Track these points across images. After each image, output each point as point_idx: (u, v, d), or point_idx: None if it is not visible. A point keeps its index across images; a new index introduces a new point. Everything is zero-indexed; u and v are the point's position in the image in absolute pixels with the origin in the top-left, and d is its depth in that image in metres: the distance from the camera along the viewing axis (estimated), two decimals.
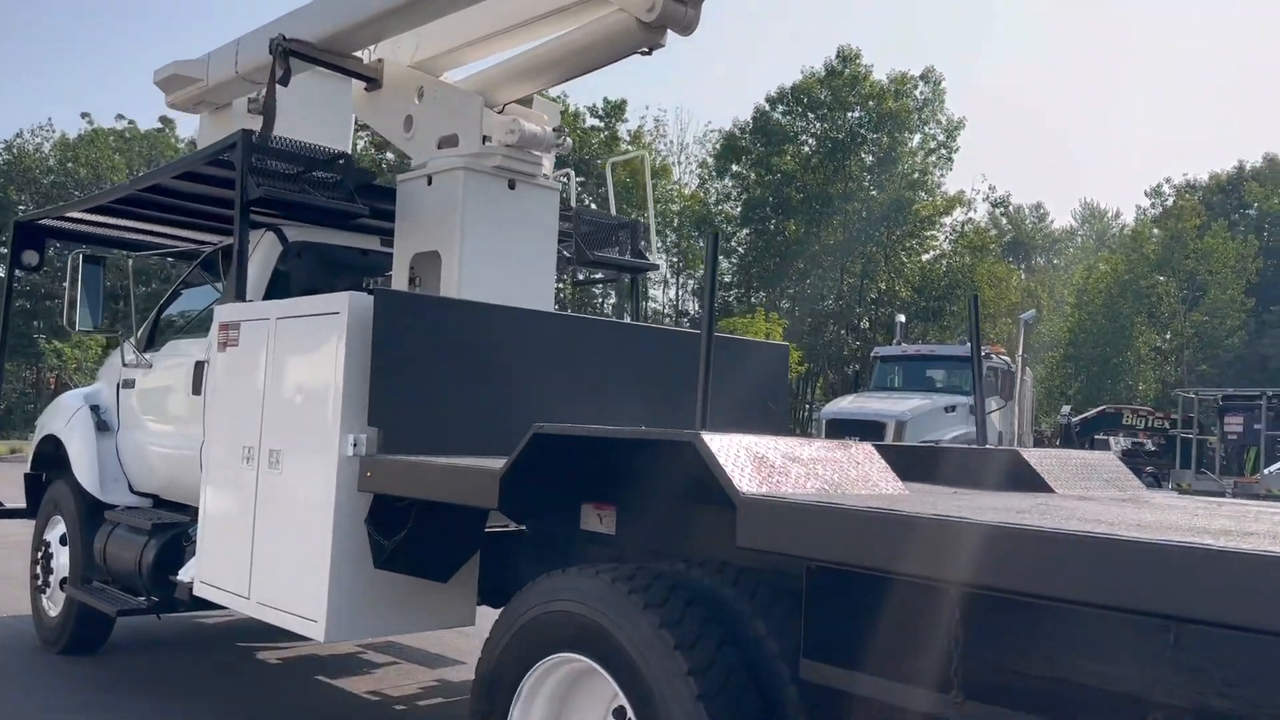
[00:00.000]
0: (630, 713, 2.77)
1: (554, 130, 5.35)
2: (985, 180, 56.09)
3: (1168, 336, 41.11)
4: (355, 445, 3.80)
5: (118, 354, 6.22)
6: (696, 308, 43.85)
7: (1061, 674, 2.00)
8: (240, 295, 4.71)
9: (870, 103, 39.29)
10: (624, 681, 2.72)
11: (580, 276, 7.35)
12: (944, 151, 40.93)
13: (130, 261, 6.05)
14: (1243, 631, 1.61)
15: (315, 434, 3.94)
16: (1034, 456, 3.73)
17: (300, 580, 3.91)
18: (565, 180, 5.89)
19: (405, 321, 3.91)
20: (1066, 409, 21.52)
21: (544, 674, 3.00)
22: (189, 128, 44.04)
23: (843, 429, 15.48)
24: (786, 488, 2.58)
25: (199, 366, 5.24)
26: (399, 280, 5.24)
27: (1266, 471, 17.00)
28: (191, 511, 5.43)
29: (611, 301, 39.54)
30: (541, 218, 5.33)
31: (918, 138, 40.76)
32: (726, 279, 44.32)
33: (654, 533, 3.42)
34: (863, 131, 39.54)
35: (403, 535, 3.65)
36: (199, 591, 4.66)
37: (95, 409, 6.22)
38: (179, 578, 4.89)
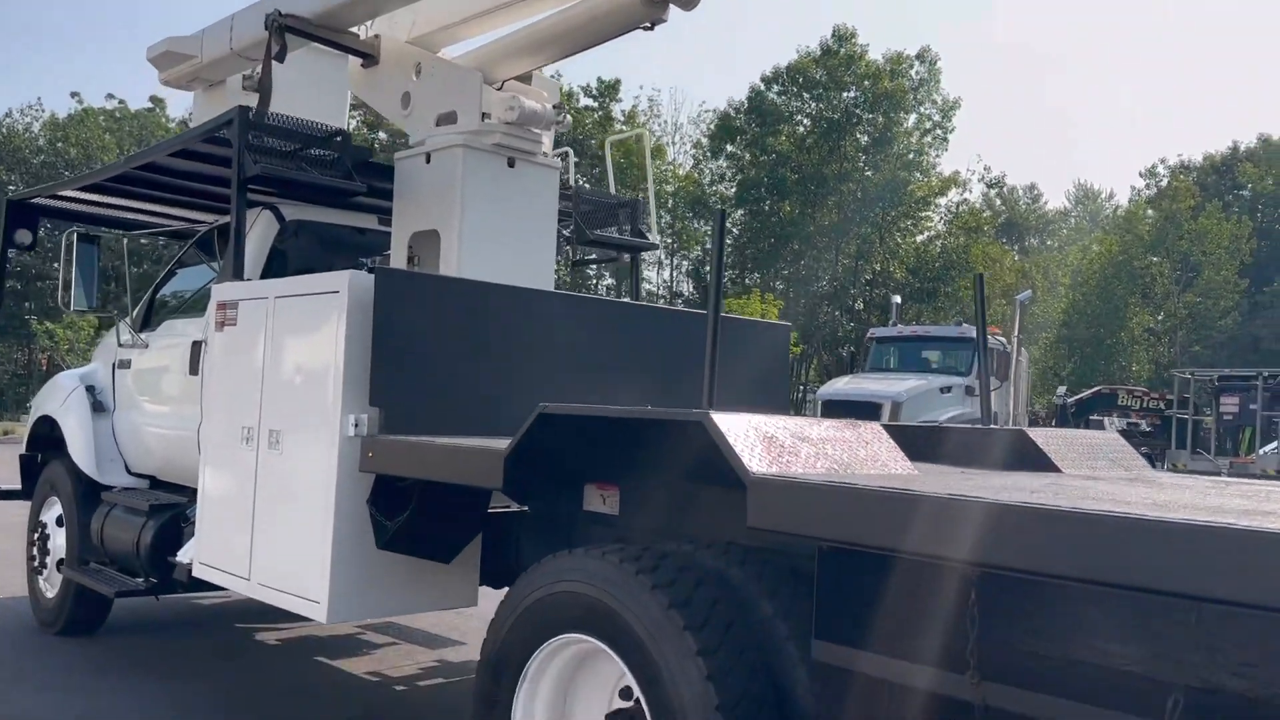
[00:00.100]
0: (637, 692, 2.76)
1: (554, 107, 5.29)
2: (981, 161, 56.07)
3: (1160, 317, 41.16)
4: (356, 426, 3.77)
5: (113, 334, 6.17)
6: (691, 289, 43.79)
7: (1079, 655, 1.98)
8: (238, 274, 4.66)
9: (866, 82, 39.10)
10: (632, 662, 2.70)
11: (578, 257, 7.30)
12: (939, 132, 40.80)
13: (125, 241, 5.99)
14: (1270, 612, 1.59)
15: (316, 414, 3.91)
16: (1040, 436, 3.71)
17: (302, 561, 3.89)
18: (564, 159, 5.83)
19: (406, 301, 3.87)
20: (1062, 390, 21.57)
21: (550, 655, 2.99)
22: (180, 107, 43.76)
23: (839, 410, 15.47)
24: (797, 468, 2.55)
25: (196, 346, 5.19)
26: (397, 259, 5.19)
27: (1262, 451, 17.08)
28: (189, 492, 5.40)
29: (606, 283, 39.47)
30: (541, 196, 5.28)
31: (913, 118, 40.60)
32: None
33: (658, 513, 3.40)
34: (858, 112, 39.36)
35: (405, 516, 3.62)
36: (198, 573, 4.64)
37: (91, 389, 6.17)
38: (178, 559, 4.86)
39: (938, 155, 41.79)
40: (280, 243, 5.41)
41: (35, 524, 6.52)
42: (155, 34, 6.21)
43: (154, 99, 45.25)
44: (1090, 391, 22.36)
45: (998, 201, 55.25)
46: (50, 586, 6.28)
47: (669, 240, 41.58)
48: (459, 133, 5.00)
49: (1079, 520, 1.79)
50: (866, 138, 39.62)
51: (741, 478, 2.43)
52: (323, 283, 4.01)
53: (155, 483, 5.88)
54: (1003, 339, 17.50)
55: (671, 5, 4.45)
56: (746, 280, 41.83)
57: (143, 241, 6.05)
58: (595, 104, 40.72)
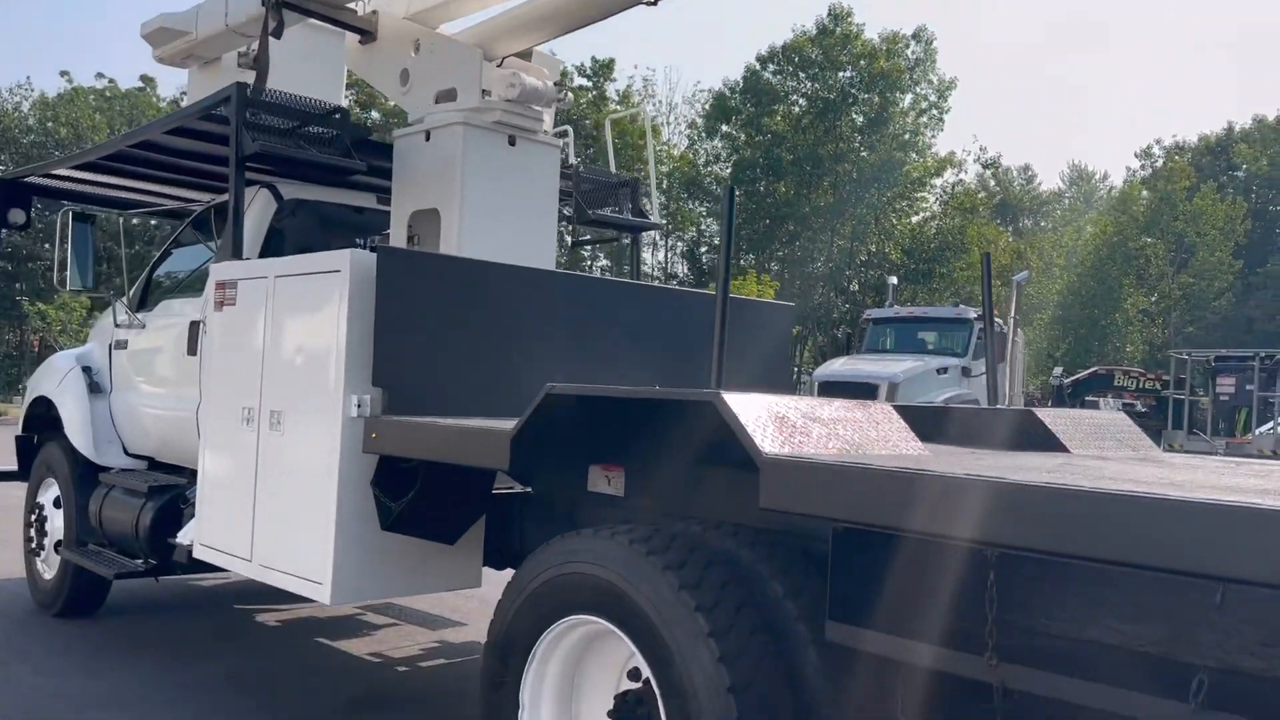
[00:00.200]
0: (647, 673, 2.74)
1: (554, 85, 5.23)
2: (977, 141, 55.91)
3: (1154, 299, 41.22)
4: (359, 406, 3.73)
5: (109, 314, 6.11)
6: (686, 270, 43.70)
7: (1099, 637, 1.96)
8: (237, 253, 4.61)
9: (862, 62, 38.93)
10: (642, 644, 2.69)
11: (577, 237, 7.25)
12: (935, 112, 40.67)
13: (121, 221, 5.93)
14: None
15: (317, 395, 3.87)
16: (1048, 416, 3.69)
17: (305, 542, 3.86)
18: (564, 138, 5.77)
19: (409, 280, 3.83)
20: (1058, 370, 21.57)
21: (558, 636, 2.97)
22: (171, 87, 43.34)
23: (835, 391, 15.47)
24: (809, 448, 2.52)
25: (194, 326, 5.15)
26: (397, 238, 5.14)
27: (1258, 432, 17.14)
28: (188, 473, 5.37)
29: (601, 264, 39.38)
30: (542, 175, 5.23)
31: (909, 98, 40.46)
32: (715, 241, 44.10)
33: (664, 494, 3.37)
34: (854, 91, 39.20)
35: (410, 497, 3.60)
36: (199, 554, 4.61)
37: (87, 370, 6.12)
38: (178, 540, 4.84)
39: (933, 136, 41.70)
40: (278, 222, 5.35)
41: (32, 505, 6.48)
42: (146, 10, 6.11)
43: (144, 78, 44.91)
44: (1087, 372, 22.39)
45: (992, 182, 55.17)
46: (48, 568, 6.25)
47: (664, 221, 41.49)
48: (459, 110, 4.94)
49: (1105, 501, 1.77)
50: (862, 118, 39.48)
51: (754, 458, 2.41)
52: (324, 262, 3.96)
53: (153, 464, 5.85)
54: (999, 320, 17.49)
55: None
56: (741, 262, 41.74)
57: (134, 222, 5.97)
58: (589, 83, 40.48)
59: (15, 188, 6.47)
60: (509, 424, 3.23)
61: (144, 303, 5.93)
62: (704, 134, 43.30)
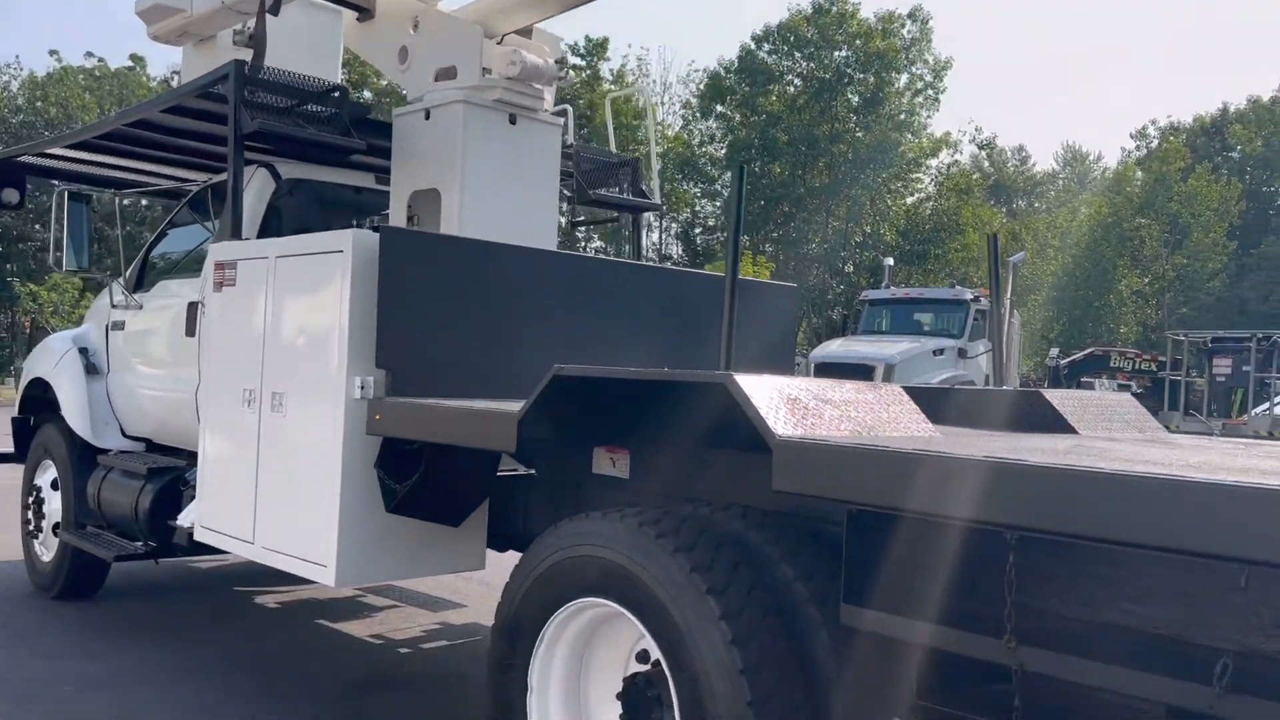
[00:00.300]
0: (657, 655, 2.73)
1: (555, 63, 5.17)
2: (972, 123, 55.77)
3: (1147, 280, 41.26)
4: (363, 388, 3.70)
5: (106, 295, 6.06)
6: (680, 251, 43.58)
7: (1120, 620, 1.95)
8: (236, 233, 4.56)
9: (857, 42, 38.74)
10: (652, 626, 2.68)
11: (576, 217, 7.20)
12: (931, 92, 40.52)
13: (117, 201, 5.86)
14: None
15: (320, 376, 3.84)
16: (1056, 398, 3.68)
17: (308, 525, 3.84)
18: (564, 117, 5.71)
19: (412, 260, 3.79)
20: (1054, 351, 21.57)
21: (567, 619, 2.96)
22: (161, 66, 43.03)
23: (831, 373, 15.47)
24: (821, 430, 2.51)
25: (192, 308, 5.10)
26: (397, 218, 5.10)
27: (1254, 413, 17.20)
28: (186, 455, 5.34)
29: (595, 244, 39.23)
30: (543, 154, 5.18)
31: (905, 78, 40.29)
32: (710, 222, 43.98)
33: (670, 476, 3.36)
34: (849, 71, 39.02)
35: (415, 479, 3.57)
36: (200, 536, 4.59)
37: (84, 352, 6.07)
38: (178, 523, 4.81)
39: (929, 116, 41.55)
40: (276, 201, 5.29)
41: (29, 487, 6.45)
42: None
43: (134, 57, 44.55)
44: (1083, 353, 22.41)
45: (986, 163, 55.09)
46: (46, 550, 6.23)
47: (663, 202, 41.35)
48: (459, 88, 4.88)
49: (1129, 484, 1.75)
50: (858, 98, 39.31)
51: (766, 440, 2.39)
52: (326, 242, 3.92)
53: (151, 445, 5.82)
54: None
55: None
56: None
57: (125, 202, 5.91)
58: (583, 63, 40.22)
59: (8, 167, 6.39)
60: (513, 405, 3.21)
61: (141, 283, 5.87)
62: (698, 114, 43.11)
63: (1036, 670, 1.97)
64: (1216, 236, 40.15)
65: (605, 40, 40.45)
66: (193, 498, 4.81)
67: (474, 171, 4.83)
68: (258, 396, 4.18)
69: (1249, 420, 17.03)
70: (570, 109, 6.08)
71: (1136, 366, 21.67)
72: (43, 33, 74.38)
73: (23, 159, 6.37)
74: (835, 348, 17.14)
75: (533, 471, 4.12)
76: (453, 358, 3.91)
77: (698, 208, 43.09)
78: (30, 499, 6.41)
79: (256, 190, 5.18)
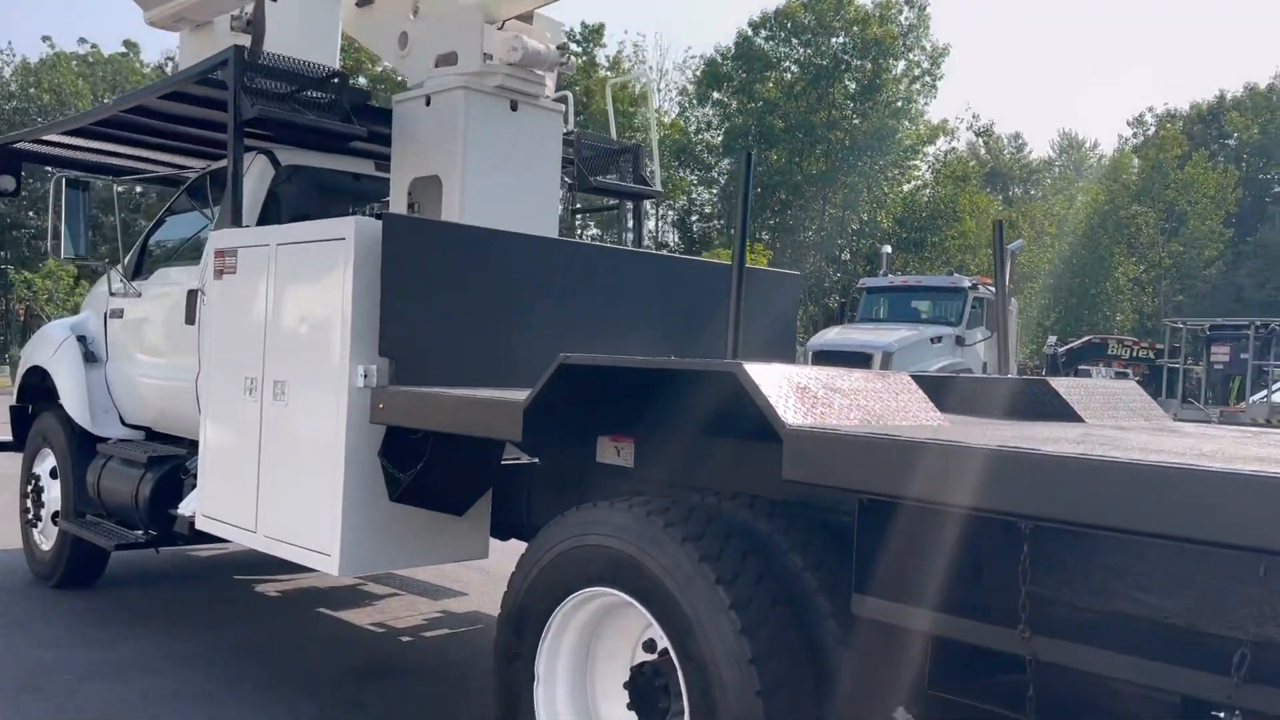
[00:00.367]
0: (664, 644, 2.73)
1: (557, 48, 5.13)
2: (970, 109, 55.63)
3: (1143, 268, 41.28)
4: (366, 376, 3.69)
5: (104, 283, 6.02)
6: (676, 238, 43.49)
7: (1136, 610, 1.94)
8: (236, 220, 4.52)
9: (855, 28, 38.61)
10: (661, 616, 2.67)
11: (576, 205, 7.16)
12: (928, 79, 40.42)
13: (114, 188, 5.82)
14: None
15: (322, 365, 3.82)
16: (1062, 386, 3.67)
17: (311, 514, 3.82)
18: (565, 103, 5.67)
19: (416, 248, 3.76)
20: (1053, 339, 21.58)
21: (574, 608, 2.95)
22: (155, 52, 42.77)
23: (829, 361, 15.44)
24: (831, 419, 2.49)
25: (192, 295, 5.07)
26: (397, 206, 5.06)
27: (1251, 400, 17.24)
28: (186, 443, 5.32)
29: (591, 232, 39.12)
30: (545, 141, 5.14)
31: (902, 64, 40.19)
32: (706, 209, 43.90)
33: (675, 465, 3.34)
34: (847, 58, 38.90)
35: (419, 468, 3.56)
36: (201, 525, 4.57)
37: (82, 340, 6.04)
38: (180, 511, 4.79)
39: (926, 103, 41.48)
40: (275, 188, 5.25)
41: (28, 476, 6.42)
42: None
43: (127, 43, 44.31)
44: (1081, 341, 22.43)
45: (983, 150, 54.99)
46: (45, 539, 6.21)
47: (665, 189, 41.26)
48: (460, 74, 4.84)
49: (1147, 473, 1.74)
50: (855, 85, 39.20)
51: (776, 430, 2.37)
52: (328, 229, 3.89)
53: (150, 434, 5.79)
54: (994, 288, 17.47)
55: None
56: (732, 231, 41.55)
57: (119, 189, 5.86)
58: (579, 49, 40.03)
59: (3, 154, 6.34)
60: (517, 394, 3.19)
61: (139, 271, 5.84)
62: (695, 101, 42.97)
63: (1051, 660, 1.96)
64: (1213, 224, 40.16)
65: (601, 26, 40.30)
66: (194, 486, 4.79)
67: (475, 158, 4.80)
68: (259, 385, 4.16)
69: (1246, 408, 17.07)
70: (570, 95, 6.04)
71: (1134, 354, 21.70)
72: (35, 19, 73.88)
73: (18, 146, 6.32)
74: (833, 336, 17.12)
75: (536, 460, 4.10)
76: (455, 346, 3.89)
77: (694, 195, 43.00)
78: (29, 487, 6.39)
79: (256, 177, 5.14)
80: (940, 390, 3.87)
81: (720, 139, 41.34)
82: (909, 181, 41.72)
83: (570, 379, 2.97)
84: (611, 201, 6.73)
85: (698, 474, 3.27)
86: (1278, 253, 42.05)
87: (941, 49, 40.55)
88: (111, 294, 5.85)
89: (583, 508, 2.97)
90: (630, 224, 6.80)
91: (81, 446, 5.82)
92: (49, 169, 6.87)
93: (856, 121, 38.98)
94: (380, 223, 3.70)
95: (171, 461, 5.11)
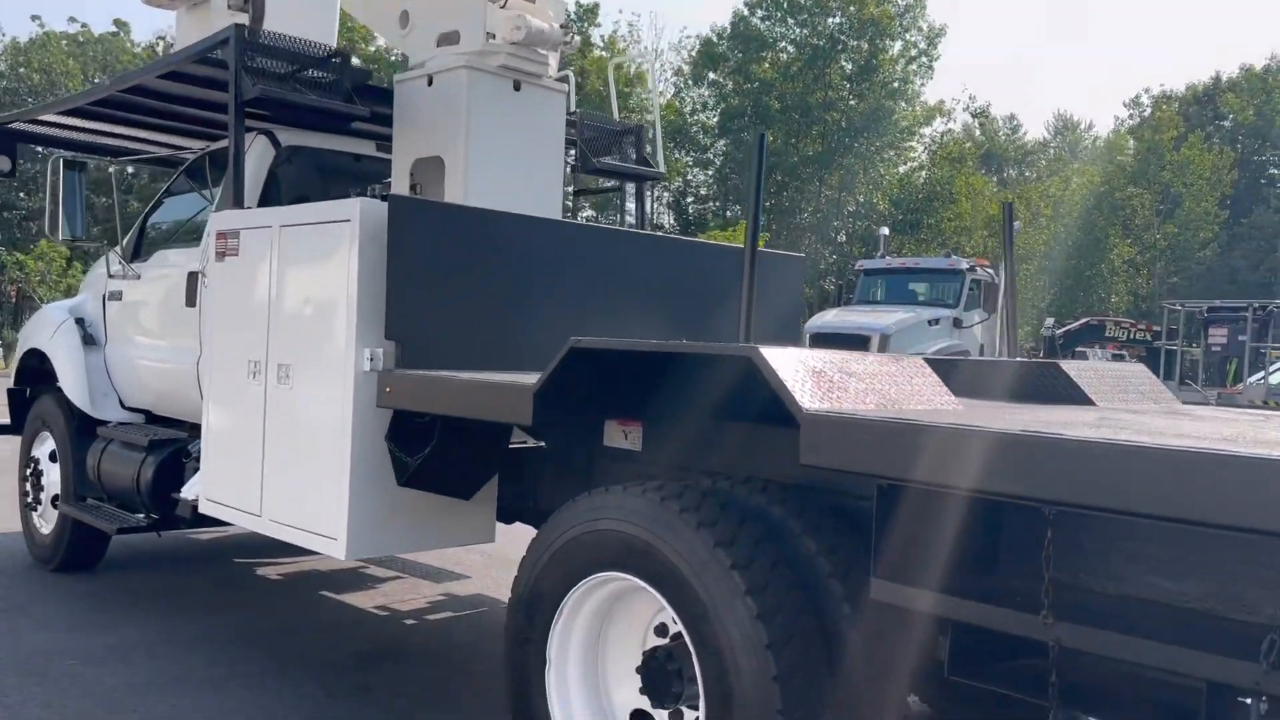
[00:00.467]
0: (677, 629, 2.72)
1: (560, 27, 5.08)
2: (966, 90, 55.46)
3: (1137, 251, 41.27)
4: (372, 360, 3.66)
5: (102, 265, 5.96)
6: (672, 220, 43.37)
7: (1159, 596, 1.93)
8: (238, 202, 4.48)
9: (851, 8, 38.40)
10: (675, 601, 2.65)
11: (577, 186, 7.11)
12: (924, 60, 40.26)
13: (112, 169, 5.76)
14: None
15: (328, 348, 3.78)
16: (1072, 369, 3.65)
17: (318, 498, 3.80)
18: (568, 83, 5.62)
19: (422, 230, 3.72)
20: (1050, 321, 21.58)
21: (586, 592, 2.94)
22: (146, 31, 42.37)
23: (826, 343, 15.40)
24: (847, 404, 2.47)
25: (192, 278, 5.03)
26: (399, 187, 5.02)
27: (1248, 382, 17.29)
28: (187, 427, 5.29)
29: (586, 214, 38.97)
30: (548, 121, 5.10)
31: (898, 45, 40.01)
32: (702, 191, 43.77)
33: (684, 449, 3.32)
34: (843, 38, 38.70)
35: (427, 452, 3.53)
36: (204, 509, 4.55)
37: (80, 322, 5.99)
38: (182, 495, 4.77)
39: (923, 84, 41.34)
40: (275, 169, 5.20)
41: (27, 459, 6.39)
42: None
43: (118, 22, 44.00)
44: (1078, 323, 22.43)
45: (978, 132, 54.86)
46: (45, 523, 6.18)
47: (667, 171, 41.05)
48: (462, 54, 4.79)
49: (1176, 459, 1.72)
50: (851, 65, 39.03)
51: (794, 415, 2.35)
52: (332, 211, 3.85)
53: (150, 417, 5.76)
54: (990, 270, 17.46)
55: None
56: (728, 213, 41.47)
57: (111, 169, 5.80)
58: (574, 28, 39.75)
59: (0, 134, 6.27)
60: (525, 378, 3.17)
61: (138, 253, 5.79)
62: (690, 81, 42.75)
63: (1074, 647, 1.95)
64: (1208, 206, 40.16)
65: (596, 5, 40.00)
66: (195, 470, 4.77)
67: (478, 139, 4.75)
68: (263, 368, 4.12)
69: (1244, 389, 17.11)
70: (572, 75, 5.98)
71: (1131, 336, 21.72)
72: None
73: (13, 126, 6.24)
74: (830, 318, 17.09)
75: (542, 444, 4.08)
76: (461, 329, 3.86)
77: (689, 176, 42.84)
78: (28, 471, 6.36)
79: (256, 158, 5.09)
80: (949, 373, 3.85)
81: (716, 120, 41.16)
82: (905, 163, 41.61)
83: (579, 363, 2.95)
84: (606, 183, 6.69)
85: (707, 458, 3.25)
86: (1272, 234, 42.11)
87: (938, 29, 40.41)
88: (110, 276, 5.80)
89: (595, 493, 2.96)
90: (631, 206, 6.76)
91: (81, 430, 5.78)
92: (39, 149, 6.81)
93: (853, 103, 38.83)
94: (385, 204, 3.66)
95: (173, 445, 5.08)
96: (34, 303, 32.58)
